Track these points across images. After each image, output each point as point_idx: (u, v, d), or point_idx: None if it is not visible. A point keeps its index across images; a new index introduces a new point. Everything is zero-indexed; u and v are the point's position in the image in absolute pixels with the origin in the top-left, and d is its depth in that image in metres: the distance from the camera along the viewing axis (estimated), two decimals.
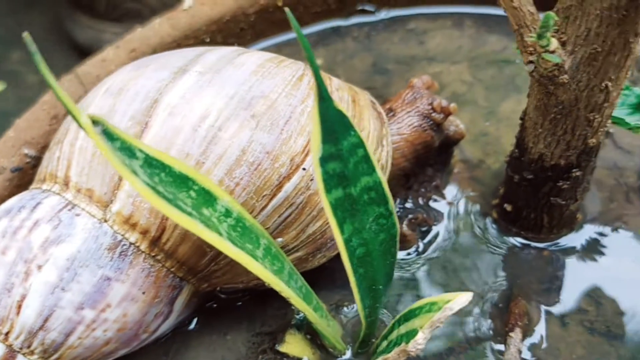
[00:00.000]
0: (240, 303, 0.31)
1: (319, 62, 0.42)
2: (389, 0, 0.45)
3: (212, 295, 0.31)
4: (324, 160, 0.22)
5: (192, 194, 0.22)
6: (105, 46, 0.40)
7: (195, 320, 0.31)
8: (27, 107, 0.37)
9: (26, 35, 0.19)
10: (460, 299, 0.23)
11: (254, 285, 0.29)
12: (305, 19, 0.45)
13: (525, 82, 0.27)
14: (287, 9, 0.20)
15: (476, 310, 0.30)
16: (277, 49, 0.43)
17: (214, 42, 0.42)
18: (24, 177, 0.34)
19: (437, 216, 0.34)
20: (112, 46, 0.40)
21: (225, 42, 0.42)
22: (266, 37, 0.44)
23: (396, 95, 0.34)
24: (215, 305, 0.31)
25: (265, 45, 0.44)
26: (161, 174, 0.21)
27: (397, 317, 0.26)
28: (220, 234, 0.22)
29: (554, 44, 0.22)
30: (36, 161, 0.35)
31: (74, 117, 0.19)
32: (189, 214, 0.21)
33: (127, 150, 0.20)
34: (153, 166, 0.21)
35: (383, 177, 0.24)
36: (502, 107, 0.39)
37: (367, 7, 0.45)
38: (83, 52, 0.77)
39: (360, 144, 0.22)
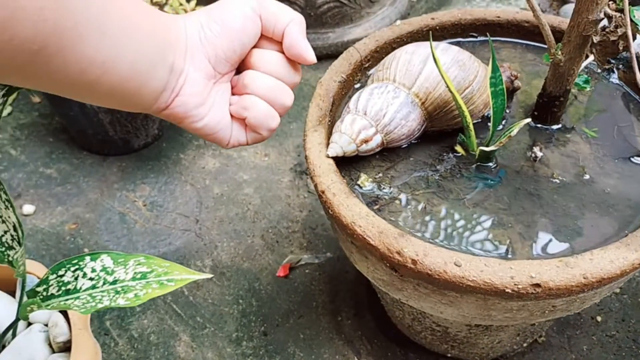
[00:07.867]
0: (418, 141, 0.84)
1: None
2: None
3: (427, 132, 0.83)
4: (492, 79, 0.75)
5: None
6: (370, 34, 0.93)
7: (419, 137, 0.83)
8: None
9: None
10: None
11: (448, 127, 0.82)
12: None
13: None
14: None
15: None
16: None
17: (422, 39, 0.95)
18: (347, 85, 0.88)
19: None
20: (368, 37, 0.93)
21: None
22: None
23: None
24: (419, 140, 0.84)
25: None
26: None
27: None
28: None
29: (559, 54, 0.75)
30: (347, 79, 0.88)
31: (434, 57, 0.71)
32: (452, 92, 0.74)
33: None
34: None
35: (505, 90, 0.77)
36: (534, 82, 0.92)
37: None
38: None
39: (501, 78, 0.75)
